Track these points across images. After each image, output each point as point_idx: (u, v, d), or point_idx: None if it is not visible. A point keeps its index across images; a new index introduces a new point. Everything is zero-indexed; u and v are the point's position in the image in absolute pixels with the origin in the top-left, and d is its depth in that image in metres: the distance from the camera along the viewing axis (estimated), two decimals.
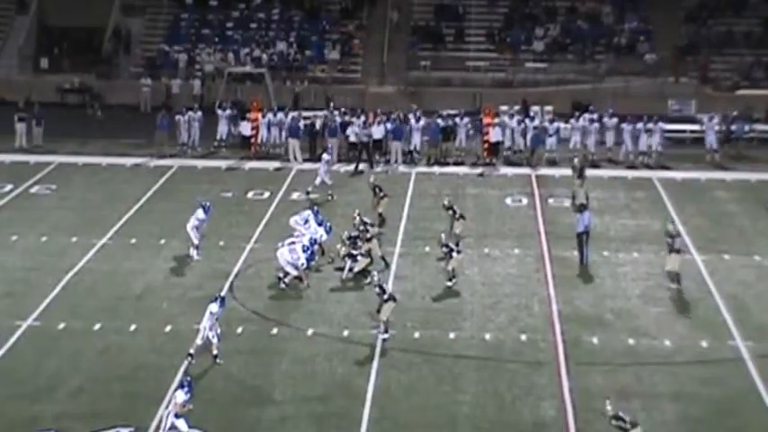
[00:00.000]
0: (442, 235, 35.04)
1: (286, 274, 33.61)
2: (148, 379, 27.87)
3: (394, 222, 39.46)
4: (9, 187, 44.08)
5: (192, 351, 28.54)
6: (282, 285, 33.49)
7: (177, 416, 24.05)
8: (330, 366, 28.70)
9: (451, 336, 30.53)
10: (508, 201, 43.26)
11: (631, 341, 30.30)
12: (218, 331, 28.74)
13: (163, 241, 37.52)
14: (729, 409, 26.55)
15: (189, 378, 25.52)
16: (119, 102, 59.60)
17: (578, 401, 26.80)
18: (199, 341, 28.66)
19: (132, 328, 30.86)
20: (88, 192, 44.03)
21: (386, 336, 29.97)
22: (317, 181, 42.60)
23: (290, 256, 33.62)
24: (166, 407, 24.85)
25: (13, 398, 26.81)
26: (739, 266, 36.00)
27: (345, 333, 30.50)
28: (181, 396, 24.34)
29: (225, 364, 28.64)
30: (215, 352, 28.64)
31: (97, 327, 30.84)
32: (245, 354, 29.34)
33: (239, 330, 30.64)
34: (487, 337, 30.55)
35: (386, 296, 30.03)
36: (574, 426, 25.80)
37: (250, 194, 43.46)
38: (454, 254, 33.96)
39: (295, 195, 42.95)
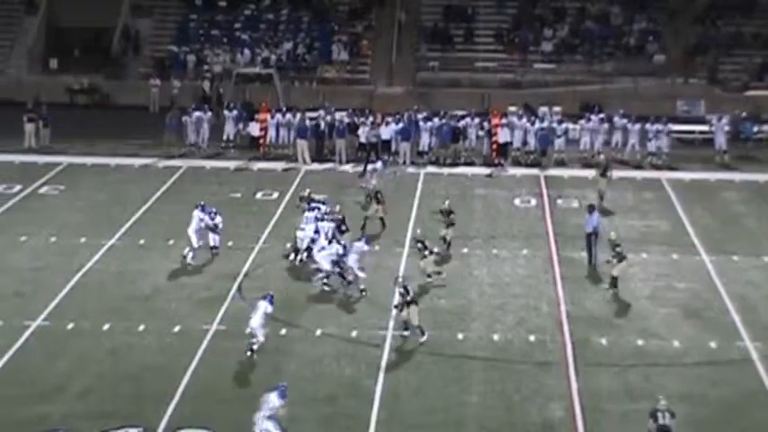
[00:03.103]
0: (418, 230, 35.07)
1: (327, 275, 33.63)
2: (157, 379, 27.91)
3: (402, 223, 39.42)
4: (18, 188, 44.14)
5: (254, 348, 28.88)
6: (326, 288, 33.50)
7: (269, 418, 24.19)
8: (338, 367, 28.73)
9: (460, 336, 30.53)
10: (517, 201, 43.24)
11: (640, 342, 30.29)
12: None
13: (171, 242, 37.54)
14: (738, 410, 26.53)
15: (285, 384, 25.36)
16: (128, 102, 59.65)
17: (587, 402, 26.78)
18: (261, 338, 29.02)
19: (141, 328, 30.91)
20: (97, 192, 44.07)
21: (423, 338, 29.91)
22: (370, 185, 41.99)
23: (326, 257, 33.73)
24: (259, 410, 24.42)
25: (21, 398, 26.86)
26: (748, 267, 35.96)
27: (354, 334, 30.50)
28: (275, 400, 24.46)
29: (233, 364, 28.69)
30: (255, 347, 28.89)
31: (106, 327, 30.90)
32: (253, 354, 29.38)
33: (248, 331, 30.61)
34: (496, 337, 30.55)
35: (408, 298, 30.02)
36: (582, 427, 25.78)
37: (259, 195, 43.48)
38: (426, 253, 33.99)
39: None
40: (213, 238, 36.09)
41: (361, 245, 33.72)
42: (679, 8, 63.98)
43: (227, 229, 37.23)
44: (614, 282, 33.56)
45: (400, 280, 30.95)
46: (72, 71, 62.33)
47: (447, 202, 38.17)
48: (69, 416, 25.97)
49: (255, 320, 29.14)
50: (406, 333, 30.05)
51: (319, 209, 36.30)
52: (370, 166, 44.35)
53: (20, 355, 29.24)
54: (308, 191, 38.33)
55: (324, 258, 33.66)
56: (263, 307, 29.32)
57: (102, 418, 25.76)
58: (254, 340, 29.02)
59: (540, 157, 48.59)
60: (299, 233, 35.78)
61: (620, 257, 33.48)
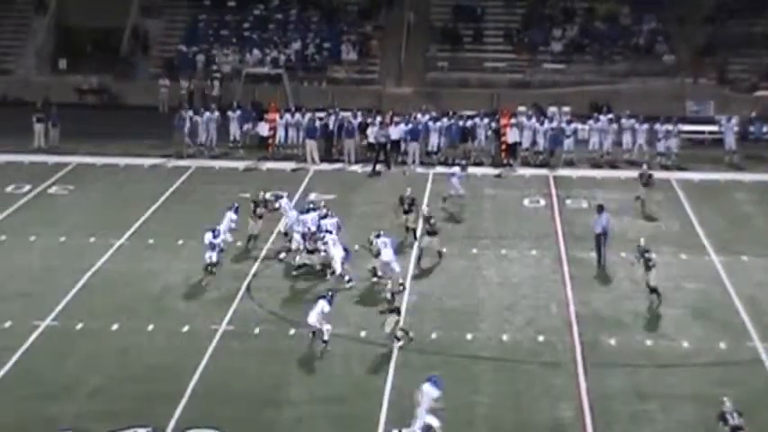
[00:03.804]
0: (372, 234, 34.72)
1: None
2: (166, 379, 27.93)
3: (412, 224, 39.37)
4: (27, 188, 44.19)
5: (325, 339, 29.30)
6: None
7: (429, 411, 24.46)
8: (347, 367, 28.74)
9: (469, 337, 30.52)
10: (526, 202, 43.19)
11: (649, 342, 30.27)
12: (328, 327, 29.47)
13: (180, 242, 37.55)
14: (748, 411, 26.31)
15: (436, 375, 25.57)
16: (137, 102, 59.68)
17: (596, 403, 26.76)
18: (327, 337, 29.29)
19: (150, 328, 30.93)
20: (106, 192, 44.12)
21: (398, 344, 29.76)
22: (453, 191, 41.74)
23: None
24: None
25: (31, 398, 26.90)
26: (758, 268, 35.90)
27: (362, 334, 30.48)
28: (433, 392, 24.71)
29: (242, 364, 28.72)
30: (325, 338, 29.32)
31: (115, 327, 30.92)
32: (262, 354, 29.39)
33: (257, 331, 30.70)
34: (505, 338, 30.54)
35: (391, 307, 29.82)
36: (591, 427, 25.76)
37: (268, 195, 43.35)
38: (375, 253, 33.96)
39: (312, 196, 42.78)
40: (209, 256, 34.49)
41: (388, 239, 33.91)
42: (688, 9, 63.79)
43: (236, 229, 37.10)
44: (654, 291, 32.53)
45: (388, 287, 30.74)
46: (81, 71, 62.36)
47: (427, 209, 37.52)
48: (78, 416, 26.00)
49: (312, 317, 29.38)
50: (401, 338, 29.89)
51: (318, 209, 36.24)
52: (450, 171, 43.40)
53: (29, 355, 29.27)
54: (261, 193, 37.95)
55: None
56: (321, 305, 29.51)
57: (112, 417, 25.78)
58: (323, 335, 29.31)
59: (549, 157, 48.51)
60: (296, 236, 35.67)
61: (648, 266, 32.55)
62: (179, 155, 49.16)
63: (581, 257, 36.51)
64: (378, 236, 34.09)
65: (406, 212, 37.89)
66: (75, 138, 50.85)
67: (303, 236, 34.95)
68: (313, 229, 34.92)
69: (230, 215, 36.22)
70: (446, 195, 42.05)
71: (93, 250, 36.96)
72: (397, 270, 33.63)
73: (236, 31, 64.34)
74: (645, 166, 43.30)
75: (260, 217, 37.13)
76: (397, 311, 29.95)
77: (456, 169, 43.20)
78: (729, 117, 50.32)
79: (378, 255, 33.70)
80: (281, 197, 38.43)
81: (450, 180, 42.41)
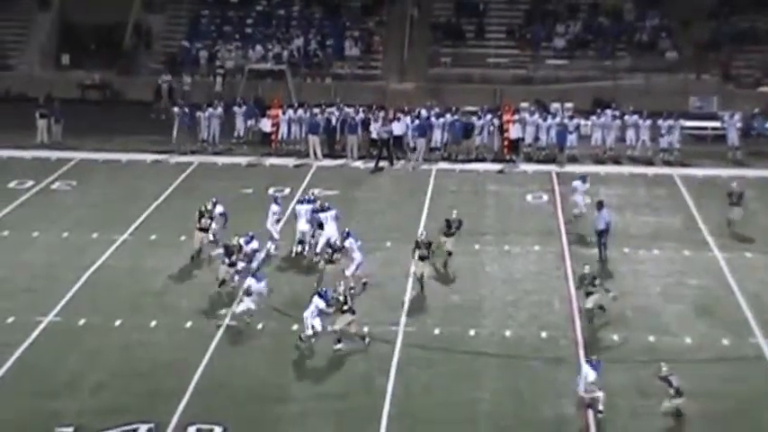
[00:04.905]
0: (336, 239, 34.22)
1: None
2: (169, 375, 27.95)
3: (414, 219, 39.40)
4: (30, 183, 44.20)
5: (303, 336, 29.30)
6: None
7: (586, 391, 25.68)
8: (350, 363, 28.73)
9: (471, 333, 30.52)
10: (529, 197, 43.16)
11: (652, 338, 30.25)
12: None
13: (183, 238, 37.51)
14: (750, 407, 26.50)
15: (595, 358, 26.61)
16: (139, 98, 59.64)
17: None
18: (309, 331, 29.17)
19: (153, 324, 30.95)
20: (109, 188, 44.12)
21: (339, 346, 29.35)
22: (577, 211, 39.65)
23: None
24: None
25: (33, 393, 26.93)
26: (761, 264, 35.87)
27: (365, 330, 30.44)
28: (591, 374, 25.78)
29: (245, 360, 28.75)
30: (302, 335, 29.35)
31: (118, 323, 30.94)
32: (265, 350, 29.41)
33: (260, 327, 30.69)
34: (508, 333, 30.53)
35: (344, 306, 29.57)
36: (593, 423, 25.75)
37: (270, 191, 43.41)
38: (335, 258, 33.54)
39: (315, 191, 42.72)
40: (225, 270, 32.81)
41: (355, 240, 33.76)
42: (691, 5, 63.72)
43: (238, 225, 37.01)
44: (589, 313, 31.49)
45: (341, 289, 30.38)
46: (84, 67, 62.43)
47: (424, 233, 35.01)
48: (81, 411, 26.04)
49: (308, 311, 29.37)
50: (338, 346, 29.47)
51: (314, 201, 36.37)
52: (574, 185, 40.68)
53: (32, 351, 29.29)
54: (213, 200, 37.04)
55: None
56: (315, 301, 29.43)
57: (114, 413, 25.82)
58: (308, 331, 29.25)
59: (559, 153, 48.31)
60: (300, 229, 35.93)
61: (588, 293, 31.20)
62: (181, 151, 49.12)
63: (583, 253, 36.48)
64: (345, 237, 33.85)
65: (448, 234, 35.43)
66: (77, 133, 50.87)
67: (225, 248, 33.43)
68: (246, 249, 34.02)
69: (273, 207, 36.52)
70: (573, 215, 39.68)
71: (95, 246, 36.99)
72: (366, 271, 33.59)
73: (238, 27, 64.38)
74: (734, 185, 40.16)
75: (202, 229, 35.87)
76: (351, 311, 29.63)
77: (577, 182, 40.58)
78: (732, 113, 50.23)
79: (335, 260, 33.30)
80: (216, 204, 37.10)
81: (573, 196, 40.40)
